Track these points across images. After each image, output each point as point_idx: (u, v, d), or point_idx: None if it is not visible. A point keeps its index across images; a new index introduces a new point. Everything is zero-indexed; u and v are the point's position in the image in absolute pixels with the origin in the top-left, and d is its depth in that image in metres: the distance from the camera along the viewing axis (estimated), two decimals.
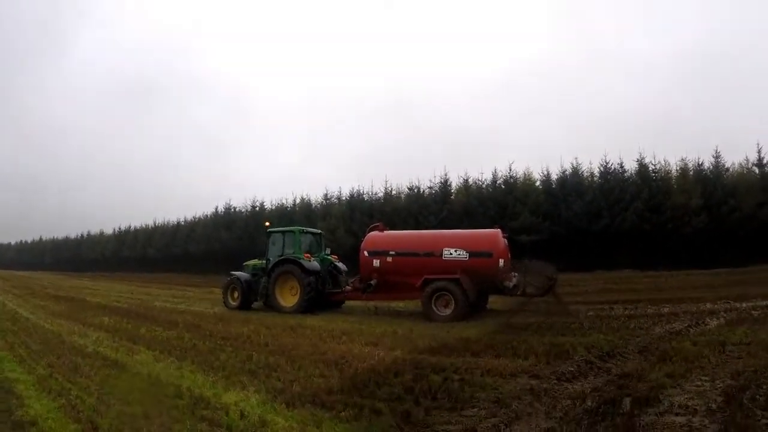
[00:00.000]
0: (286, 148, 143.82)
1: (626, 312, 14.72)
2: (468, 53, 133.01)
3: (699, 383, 6.90)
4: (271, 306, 18.55)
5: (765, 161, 35.91)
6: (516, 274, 16.29)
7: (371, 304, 18.41)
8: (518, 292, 15.69)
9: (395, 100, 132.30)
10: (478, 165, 69.57)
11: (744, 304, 14.76)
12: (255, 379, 7.96)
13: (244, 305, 19.40)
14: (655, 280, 26.38)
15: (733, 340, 9.59)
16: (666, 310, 14.73)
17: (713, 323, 11.99)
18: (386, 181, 50.46)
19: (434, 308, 15.53)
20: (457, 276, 15.49)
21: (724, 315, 13.05)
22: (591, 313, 14.73)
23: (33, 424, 6.00)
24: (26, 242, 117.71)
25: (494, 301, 17.87)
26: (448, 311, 15.32)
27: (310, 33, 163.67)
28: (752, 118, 71.83)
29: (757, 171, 36.35)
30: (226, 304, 19.96)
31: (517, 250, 18.33)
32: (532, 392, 6.79)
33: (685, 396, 6.34)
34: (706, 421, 5.48)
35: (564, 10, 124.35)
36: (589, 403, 6.14)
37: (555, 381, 7.37)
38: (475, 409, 6.22)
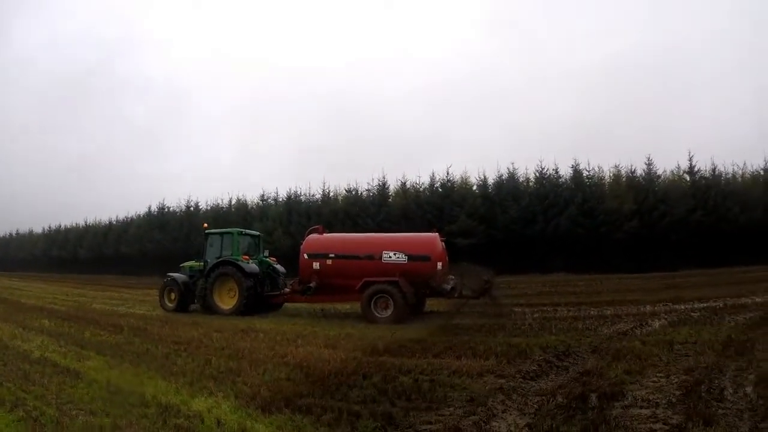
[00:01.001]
0: (221, 148, 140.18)
1: (570, 314, 15.17)
2: (408, 58, 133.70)
3: (656, 379, 7.32)
4: (209, 308, 18.13)
5: (696, 169, 38.06)
6: (453, 276, 16.58)
7: (317, 306, 18.42)
8: (455, 295, 15.95)
9: (334, 103, 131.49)
10: (416, 169, 70.49)
11: (682, 306, 15.58)
12: (220, 384, 7.70)
13: (181, 307, 18.97)
14: (591, 283, 27.20)
15: (679, 340, 10.12)
16: (609, 312, 15.24)
17: (656, 324, 12.57)
18: (324, 183, 50.56)
19: (373, 310, 15.64)
20: (396, 279, 15.65)
21: (665, 316, 13.68)
22: (536, 314, 15.18)
23: None
24: None
25: (431, 304, 18.16)
26: (387, 313, 15.46)
27: (247, 32, 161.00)
28: (684, 126, 75.87)
29: (687, 178, 38.41)
30: (162, 306, 19.49)
31: (454, 253, 18.61)
32: (503, 391, 6.99)
33: (645, 390, 6.74)
34: (669, 412, 5.89)
35: (501, 20, 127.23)
36: (560, 399, 6.46)
37: (521, 379, 7.64)
38: (452, 408, 6.30)
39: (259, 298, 18.14)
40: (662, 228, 35.83)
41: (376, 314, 15.54)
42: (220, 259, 18.25)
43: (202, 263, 19.10)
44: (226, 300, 18.00)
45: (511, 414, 6.10)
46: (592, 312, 15.34)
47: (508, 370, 8.12)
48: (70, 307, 20.47)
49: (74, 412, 6.46)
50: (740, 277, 25.07)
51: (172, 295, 19.35)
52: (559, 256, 37.16)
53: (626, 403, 6.23)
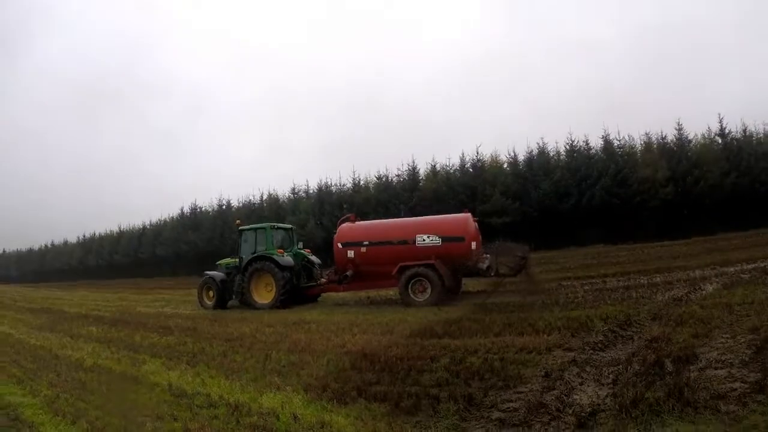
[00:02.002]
0: (249, 145, 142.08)
1: (621, 284, 14.90)
2: (429, 41, 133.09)
3: (723, 341, 7.19)
4: (247, 303, 18.33)
5: (727, 131, 37.01)
6: (488, 256, 16.54)
7: (355, 295, 18.59)
8: (491, 274, 15.91)
9: (355, 94, 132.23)
10: (443, 153, 70.10)
11: (731, 269, 15.20)
12: (285, 378, 7.54)
13: (220, 304, 19.21)
14: (632, 252, 26.86)
15: (737, 301, 9.84)
16: (659, 279, 14.96)
17: (710, 288, 12.27)
18: (354, 172, 50.39)
19: (411, 294, 15.71)
20: (431, 261, 15.68)
21: (716, 280, 13.35)
22: (587, 287, 14.99)
23: None
24: None
25: (467, 284, 18.12)
26: (425, 296, 15.51)
27: (263, 26, 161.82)
28: (712, 90, 74.19)
29: (720, 141, 37.34)
30: (201, 304, 19.75)
31: (489, 232, 18.50)
32: (576, 363, 6.88)
33: (716, 352, 6.63)
34: (744, 371, 5.83)
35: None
36: (636, 367, 6.32)
37: (590, 351, 7.52)
38: (528, 385, 6.19)
39: (296, 291, 18.25)
40: (697, 193, 35.09)
41: (414, 298, 15.61)
42: (255, 255, 18.35)
43: (237, 260, 19.28)
44: (264, 294, 18.14)
45: (589, 386, 6.00)
46: (642, 280, 15.06)
47: (575, 343, 8.00)
48: (115, 312, 20.62)
49: (140, 419, 6.25)
50: None
51: (211, 293, 19.60)
52: (595, 228, 36.71)
53: (700, 365, 6.12)
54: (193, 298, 20.72)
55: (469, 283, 18.09)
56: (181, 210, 64.18)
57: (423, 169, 45.95)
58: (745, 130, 37.59)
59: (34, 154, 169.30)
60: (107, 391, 7.74)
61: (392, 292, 17.59)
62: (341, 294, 19.13)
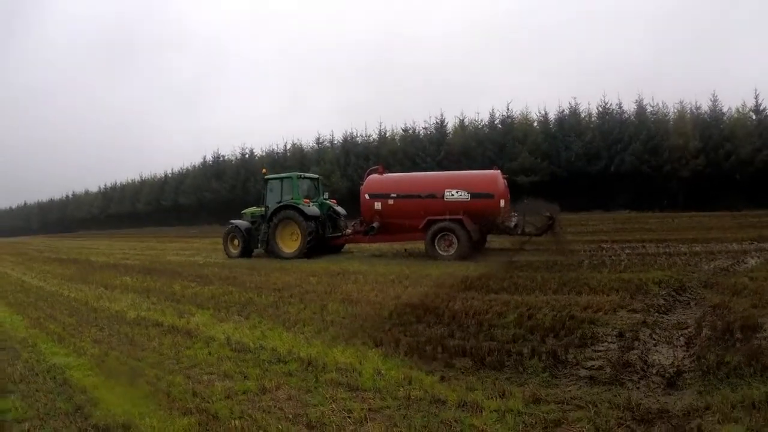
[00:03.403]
0: (271, 98, 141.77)
1: (661, 250, 14.89)
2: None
3: None
4: (272, 252, 18.50)
5: (762, 108, 36.17)
6: (515, 213, 16.60)
7: (379, 246, 18.83)
8: (519, 232, 15.95)
9: (384, 47, 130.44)
10: (473, 107, 69.45)
11: None
12: (350, 331, 7.22)
13: (245, 253, 19.40)
14: (662, 221, 26.67)
15: None
16: (698, 248, 14.88)
17: (752, 262, 12.22)
18: (380, 123, 50.15)
19: (437, 248, 15.88)
20: (459, 217, 15.77)
21: (756, 254, 13.27)
22: (627, 251, 14.99)
23: (128, 429, 4.57)
24: (11, 208, 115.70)
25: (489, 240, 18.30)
26: (451, 251, 15.68)
27: None
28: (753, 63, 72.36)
29: (754, 117, 36.60)
30: (227, 252, 19.93)
31: (516, 191, 18.47)
32: (646, 324, 6.90)
33: None
34: None
35: None
36: (707, 332, 6.31)
37: (656, 314, 7.55)
38: (605, 344, 6.20)
39: (321, 241, 18.35)
40: (728, 167, 34.55)
41: (440, 252, 15.78)
42: (281, 204, 18.39)
43: (263, 209, 19.26)
44: (289, 243, 18.27)
45: (663, 347, 6.03)
46: (681, 248, 14.97)
47: (637, 304, 7.99)
48: (144, 261, 20.57)
49: (205, 378, 5.80)
50: None
51: (236, 242, 19.76)
52: (623, 193, 36.50)
53: (765, 335, 6.14)
54: (221, 246, 20.71)
55: (492, 240, 18.23)
56: (204, 158, 64.35)
57: (451, 123, 45.65)
58: None
59: (53, 107, 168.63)
60: (160, 346, 7.21)
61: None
62: (375, 245, 19.36)
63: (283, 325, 7.97)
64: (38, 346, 7.67)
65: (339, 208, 19.79)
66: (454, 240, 15.68)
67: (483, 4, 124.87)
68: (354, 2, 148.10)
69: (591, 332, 6.54)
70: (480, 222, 15.94)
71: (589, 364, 5.54)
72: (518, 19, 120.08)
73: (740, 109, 37.55)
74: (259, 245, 19.18)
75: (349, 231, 19.02)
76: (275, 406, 4.86)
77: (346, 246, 19.70)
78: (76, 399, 5.37)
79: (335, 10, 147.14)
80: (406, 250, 18.25)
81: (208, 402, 5.03)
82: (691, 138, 35.43)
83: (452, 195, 16.26)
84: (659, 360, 5.56)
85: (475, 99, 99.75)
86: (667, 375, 5.08)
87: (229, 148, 70.74)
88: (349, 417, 4.52)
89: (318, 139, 53.01)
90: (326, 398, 4.98)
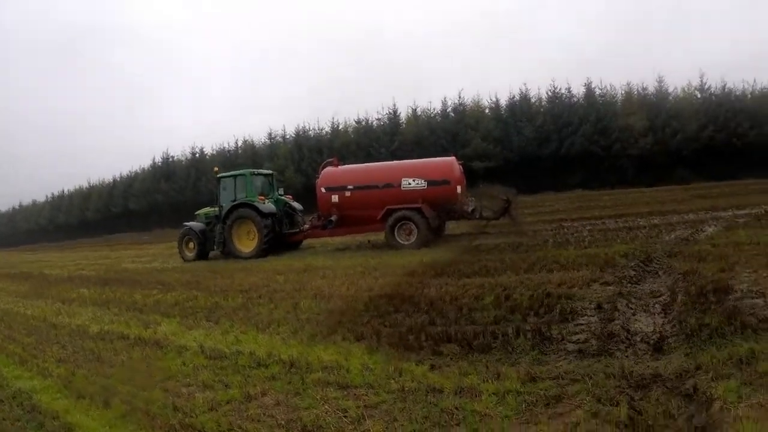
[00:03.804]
0: (221, 92, 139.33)
1: (621, 225, 15.17)
2: None
3: (747, 275, 7.39)
4: (229, 253, 18.09)
5: (706, 86, 37.65)
6: (472, 198, 16.76)
7: (362, 238, 18.59)
8: (476, 216, 16.21)
9: (330, 37, 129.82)
10: (425, 97, 69.97)
11: (723, 214, 15.55)
12: (328, 328, 6.99)
13: (201, 255, 18.91)
14: (615, 197, 27.38)
15: (743, 241, 10.09)
16: (656, 221, 15.29)
17: (710, 230, 12.59)
18: (333, 116, 49.88)
19: (397, 237, 15.88)
20: (418, 205, 15.82)
21: (713, 223, 13.67)
22: (588, 227, 15.25)
23: None
24: None
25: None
26: (411, 239, 15.70)
27: None
28: (693, 45, 75.03)
29: (698, 95, 38.02)
30: (182, 256, 19.39)
31: (470, 176, 18.62)
32: (622, 295, 7.00)
33: (746, 284, 6.83)
34: None
35: None
36: (681, 298, 6.46)
37: (628, 284, 7.69)
38: (585, 317, 6.25)
39: (279, 238, 18.04)
40: (675, 144, 35.90)
41: (401, 241, 15.79)
42: (236, 202, 18.00)
43: (217, 209, 18.83)
44: (246, 243, 17.90)
45: (641, 315, 6.18)
46: (640, 222, 15.35)
47: (608, 277, 8.14)
48: (100, 271, 19.65)
49: (184, 390, 5.48)
50: (760, 188, 24.83)
51: (191, 245, 19.25)
52: (574, 174, 37.26)
53: (737, 296, 6.32)
54: (177, 251, 20.10)
55: (451, 226, 18.31)
56: (153, 160, 62.18)
57: (404, 114, 45.74)
58: (724, 87, 38.18)
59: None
60: (129, 360, 6.84)
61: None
62: (337, 239, 19.16)
63: (256, 327, 7.70)
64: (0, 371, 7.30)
65: (295, 204, 19.51)
66: (414, 228, 15.69)
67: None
68: None
69: (570, 307, 6.58)
70: (438, 209, 16.02)
71: (575, 338, 5.57)
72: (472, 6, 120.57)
73: (686, 89, 39.07)
74: (215, 247, 18.72)
75: (306, 226, 18.80)
76: (265, 414, 4.63)
77: (307, 241, 19.49)
78: (49, 426, 5.08)
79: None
80: (369, 241, 18.13)
81: (192, 416, 4.73)
82: (639, 117, 36.55)
83: (409, 184, 16.27)
84: (641, 328, 5.69)
85: (427, 88, 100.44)
86: (651, 341, 5.21)
87: (180, 148, 68.85)
88: (345, 417, 4.35)
89: (270, 134, 52.37)
90: (317, 400, 4.78)
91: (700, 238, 11.50)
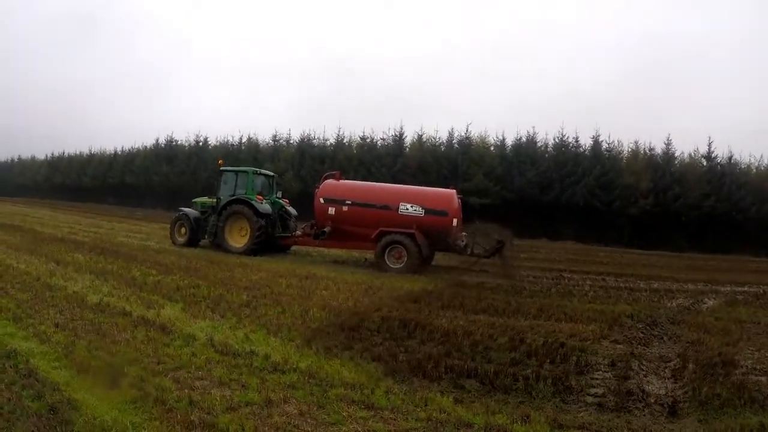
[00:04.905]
0: (229, 87, 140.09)
1: (621, 284, 15.24)
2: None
3: (750, 352, 7.69)
4: (219, 245, 18.04)
5: (714, 155, 37.95)
6: (465, 234, 16.71)
7: (363, 254, 18.55)
8: (467, 252, 16.14)
9: (337, 56, 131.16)
10: (432, 126, 70.59)
11: (722, 288, 15.67)
12: (344, 344, 6.91)
13: (192, 242, 18.85)
14: (611, 255, 27.39)
15: (744, 319, 10.43)
16: (656, 285, 15.37)
17: (710, 303, 12.70)
18: (339, 129, 49.91)
19: (387, 260, 15.89)
20: (412, 231, 15.83)
21: (713, 296, 13.79)
22: (588, 282, 15.30)
23: None
24: None
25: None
26: (400, 264, 15.71)
27: None
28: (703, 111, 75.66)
29: (705, 163, 38.27)
30: (173, 240, 19.38)
31: (466, 211, 18.62)
32: (634, 356, 7.09)
33: (750, 361, 7.15)
34: None
35: None
36: (691, 366, 6.62)
37: (638, 346, 7.83)
38: (600, 372, 6.35)
39: (270, 239, 18.03)
40: (675, 209, 36.02)
41: (389, 264, 15.79)
42: (234, 198, 18.03)
43: (214, 200, 18.83)
44: (237, 238, 17.88)
45: (652, 377, 6.30)
46: (640, 284, 15.40)
47: (617, 336, 8.27)
48: (94, 239, 19.55)
49: (198, 384, 5.24)
50: (756, 267, 25.38)
51: (183, 230, 19.20)
52: (571, 225, 37.39)
53: (743, 371, 6.56)
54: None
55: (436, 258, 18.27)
56: (156, 140, 62.26)
57: (410, 138, 45.90)
58: (731, 158, 38.50)
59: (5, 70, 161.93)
60: (133, 340, 6.57)
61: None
62: (336, 251, 19.13)
63: (265, 328, 7.54)
64: None
65: (291, 209, 19.52)
66: (404, 253, 15.72)
67: (455, 33, 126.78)
68: (320, 11, 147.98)
69: (585, 360, 6.67)
70: (431, 238, 16.06)
71: (593, 391, 5.66)
72: (483, 45, 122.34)
73: (692, 155, 39.37)
74: (206, 236, 18.66)
75: (298, 233, 18.82)
76: (289, 423, 4.50)
77: (304, 249, 19.45)
78: (49, 398, 4.67)
79: (302, 14, 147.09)
80: (366, 259, 18.08)
81: (211, 414, 4.52)
82: (643, 178, 36.73)
83: (407, 209, 16.32)
84: (654, 390, 5.80)
85: (435, 119, 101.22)
86: (666, 404, 5.34)
87: (183, 133, 68.80)
88: None
89: (275, 136, 52.36)
90: (344, 417, 4.70)
91: (702, 309, 11.65)
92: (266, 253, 17.52)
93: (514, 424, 4.58)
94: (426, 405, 5.01)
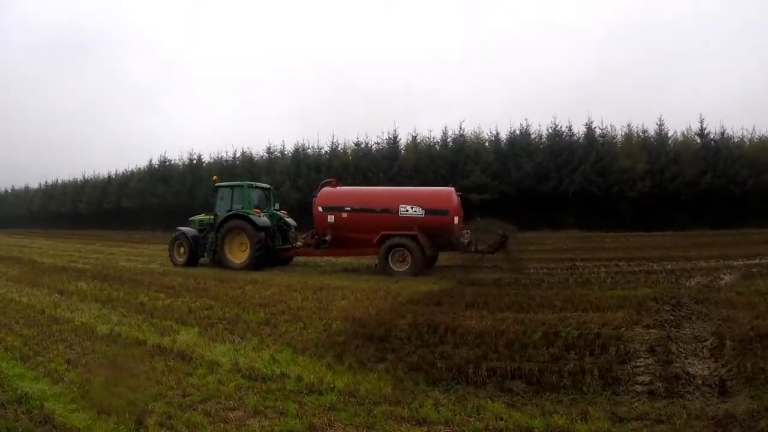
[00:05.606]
0: (221, 102, 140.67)
1: (636, 268, 15.17)
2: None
3: None
4: (219, 262, 17.92)
5: (707, 131, 38.18)
6: (468, 231, 16.65)
7: (373, 260, 18.09)
8: (471, 249, 16.02)
9: (325, 61, 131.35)
10: (425, 125, 70.74)
11: (735, 263, 15.59)
12: (376, 356, 6.63)
13: (191, 261, 18.73)
14: (616, 240, 27.45)
15: (765, 291, 10.32)
16: (669, 266, 15.25)
17: (728, 278, 12.64)
18: (333, 136, 49.91)
19: (391, 264, 15.79)
20: (414, 232, 15.77)
21: (728, 272, 13.71)
22: (603, 269, 15.13)
23: None
24: None
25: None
26: (404, 267, 15.62)
27: None
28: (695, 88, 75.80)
29: (698, 140, 38.48)
30: (172, 260, 19.21)
31: (466, 208, 18.53)
32: (670, 339, 7.01)
33: None
34: None
35: None
36: (729, 344, 6.58)
37: (670, 329, 7.70)
38: (642, 359, 6.23)
39: (271, 252, 17.91)
40: (674, 188, 36.22)
41: (394, 268, 15.68)
42: (231, 213, 17.90)
43: (211, 217, 18.69)
44: (237, 254, 17.76)
45: (692, 359, 6.23)
46: (654, 267, 15.33)
47: (648, 320, 8.13)
48: (96, 265, 19.15)
49: (231, 416, 4.92)
50: (761, 238, 25.34)
51: (182, 249, 19.08)
52: (572, 213, 37.36)
53: None
54: None
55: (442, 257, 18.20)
56: (150, 162, 62.34)
57: (404, 140, 45.97)
58: (723, 133, 38.94)
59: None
60: (152, 372, 6.19)
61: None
62: (344, 260, 19.06)
63: (290, 347, 7.20)
64: None
65: (289, 220, 19.40)
66: (408, 256, 15.62)
67: (446, 33, 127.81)
68: (306, 18, 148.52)
69: (624, 348, 6.55)
70: (434, 238, 15.99)
71: (640, 379, 5.56)
72: (473, 44, 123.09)
73: (685, 133, 39.64)
74: (206, 254, 18.56)
75: (299, 243, 18.70)
76: None
77: (311, 259, 19.25)
78: None
79: (290, 21, 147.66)
80: (376, 265, 17.87)
81: None
82: (639, 160, 36.88)
83: (407, 210, 16.24)
84: (698, 371, 5.73)
85: (427, 119, 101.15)
86: (713, 385, 5.30)
87: (177, 152, 68.64)
88: None
89: (269, 148, 52.45)
90: None
91: (721, 285, 11.56)
92: (268, 267, 17.42)
93: (575, 423, 4.44)
94: (479, 413, 4.84)
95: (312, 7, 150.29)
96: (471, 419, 4.71)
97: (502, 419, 4.66)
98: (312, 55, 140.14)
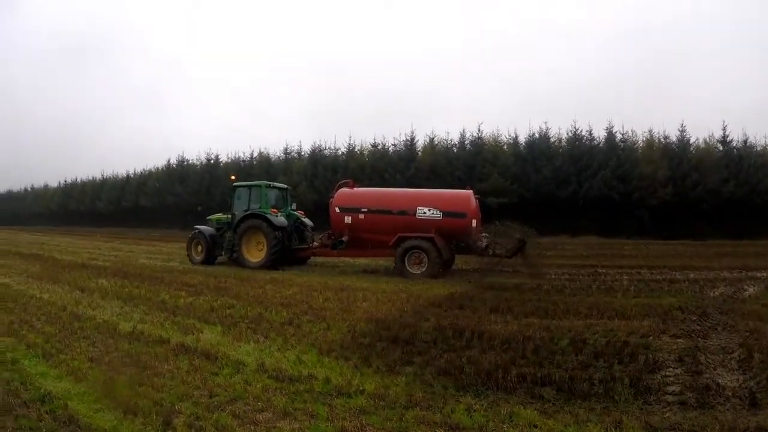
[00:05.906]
0: (235, 105, 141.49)
1: (658, 277, 15.07)
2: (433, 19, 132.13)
3: None
4: (236, 261, 18.06)
5: (729, 139, 37.64)
6: (486, 234, 16.65)
7: (384, 261, 18.35)
8: (489, 253, 15.97)
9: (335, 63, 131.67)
10: (443, 127, 70.66)
11: (758, 274, 15.42)
12: (402, 359, 6.57)
13: (209, 260, 18.97)
14: (636, 248, 27.19)
15: None
16: (692, 276, 15.11)
17: (751, 290, 12.49)
18: (350, 137, 49.89)
19: (407, 266, 15.74)
20: (431, 235, 15.70)
21: (751, 283, 13.57)
22: (625, 277, 15.03)
23: None
24: None
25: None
26: (421, 269, 15.56)
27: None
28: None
29: (720, 147, 37.94)
30: (190, 258, 19.50)
31: (485, 212, 18.49)
32: (698, 349, 6.96)
33: None
34: None
35: None
36: (757, 356, 6.47)
37: (698, 339, 7.66)
38: (671, 369, 6.19)
39: (287, 252, 18.02)
40: (695, 196, 35.62)
41: (410, 270, 15.63)
42: (249, 212, 18.05)
43: (229, 216, 18.92)
44: (254, 253, 17.93)
45: (721, 370, 6.18)
46: (677, 275, 15.21)
47: (675, 330, 8.09)
48: (115, 263, 19.42)
49: (260, 417, 4.83)
50: None
51: (199, 248, 19.38)
52: (591, 219, 36.98)
53: None
54: None
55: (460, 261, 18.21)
56: (168, 161, 63.11)
57: (421, 141, 45.89)
58: (746, 141, 38.22)
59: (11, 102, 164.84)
60: (177, 371, 6.13)
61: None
62: (363, 261, 19.09)
63: (315, 348, 7.13)
64: (20, 363, 6.47)
65: (306, 220, 19.50)
66: (425, 258, 15.56)
67: (458, 32, 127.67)
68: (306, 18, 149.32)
69: (652, 357, 6.49)
70: (451, 241, 15.98)
71: (670, 389, 5.52)
72: (486, 45, 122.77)
73: (707, 140, 39.06)
74: (223, 253, 18.70)
75: (315, 244, 18.83)
76: None
77: (327, 260, 19.33)
78: None
79: (290, 21, 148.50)
80: (395, 266, 17.95)
81: None
82: (660, 166, 36.32)
83: (424, 213, 16.18)
84: (727, 383, 5.67)
85: (445, 121, 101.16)
86: (743, 397, 5.25)
87: (194, 152, 69.26)
88: None
89: (286, 149, 52.69)
90: None
91: (746, 297, 11.46)
92: (285, 266, 17.52)
93: None
94: (512, 420, 4.78)
95: (312, 7, 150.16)
96: (504, 426, 4.66)
97: (536, 426, 4.62)
98: (312, 55, 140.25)
